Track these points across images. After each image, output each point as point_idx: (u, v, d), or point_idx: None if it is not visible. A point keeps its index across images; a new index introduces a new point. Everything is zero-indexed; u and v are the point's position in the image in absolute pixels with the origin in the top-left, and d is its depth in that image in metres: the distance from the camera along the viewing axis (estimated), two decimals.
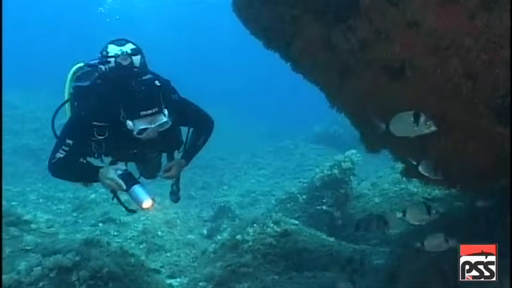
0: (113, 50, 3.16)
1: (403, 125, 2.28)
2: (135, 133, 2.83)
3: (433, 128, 2.24)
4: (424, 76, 2.40)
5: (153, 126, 2.80)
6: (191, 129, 3.42)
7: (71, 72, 3.32)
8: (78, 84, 3.23)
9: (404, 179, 4.05)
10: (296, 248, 4.79)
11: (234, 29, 3.85)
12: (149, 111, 2.75)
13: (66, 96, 3.31)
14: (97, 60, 3.21)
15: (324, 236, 5.24)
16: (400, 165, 3.96)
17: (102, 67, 3.13)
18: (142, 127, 2.79)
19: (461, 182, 2.81)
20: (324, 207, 6.58)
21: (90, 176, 3.02)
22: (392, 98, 2.63)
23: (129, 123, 2.78)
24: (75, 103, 3.22)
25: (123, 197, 3.15)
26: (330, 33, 2.66)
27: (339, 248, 4.97)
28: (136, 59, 3.17)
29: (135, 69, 3.12)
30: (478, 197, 3.19)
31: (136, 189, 2.88)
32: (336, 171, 6.78)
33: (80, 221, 7.24)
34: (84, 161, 3.12)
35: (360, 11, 2.47)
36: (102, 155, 3.23)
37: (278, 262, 4.65)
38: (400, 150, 3.04)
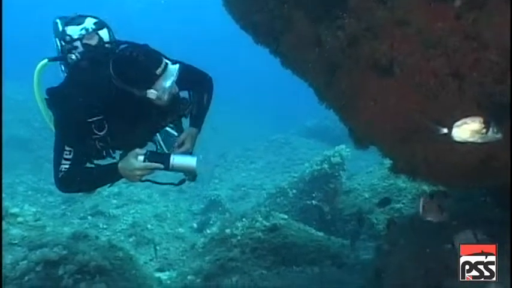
0: (74, 31, 2.74)
1: (468, 131, 2.10)
2: (165, 97, 2.39)
3: (499, 136, 2.05)
4: (412, 74, 2.40)
5: (173, 78, 2.38)
6: (191, 92, 2.97)
7: (36, 71, 2.90)
8: (51, 86, 2.65)
9: (392, 174, 4.10)
10: (285, 243, 4.80)
11: (223, 22, 3.80)
12: (162, 65, 2.33)
13: (38, 101, 2.90)
14: (61, 49, 2.80)
15: (313, 231, 5.27)
16: (388, 161, 3.98)
17: (72, 56, 2.71)
18: (168, 84, 2.35)
19: (449, 181, 2.82)
20: (313, 201, 6.62)
21: (109, 176, 2.57)
22: (380, 95, 2.63)
23: (151, 92, 2.32)
24: (57, 105, 2.64)
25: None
26: (319, 30, 2.65)
27: (328, 242, 5.00)
28: (104, 33, 2.79)
29: (107, 46, 2.74)
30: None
31: (176, 159, 2.49)
32: (325, 165, 6.82)
33: (69, 213, 7.21)
34: (93, 165, 2.69)
35: (348, 9, 2.46)
36: (111, 151, 2.76)
37: (266, 256, 4.66)
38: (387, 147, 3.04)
